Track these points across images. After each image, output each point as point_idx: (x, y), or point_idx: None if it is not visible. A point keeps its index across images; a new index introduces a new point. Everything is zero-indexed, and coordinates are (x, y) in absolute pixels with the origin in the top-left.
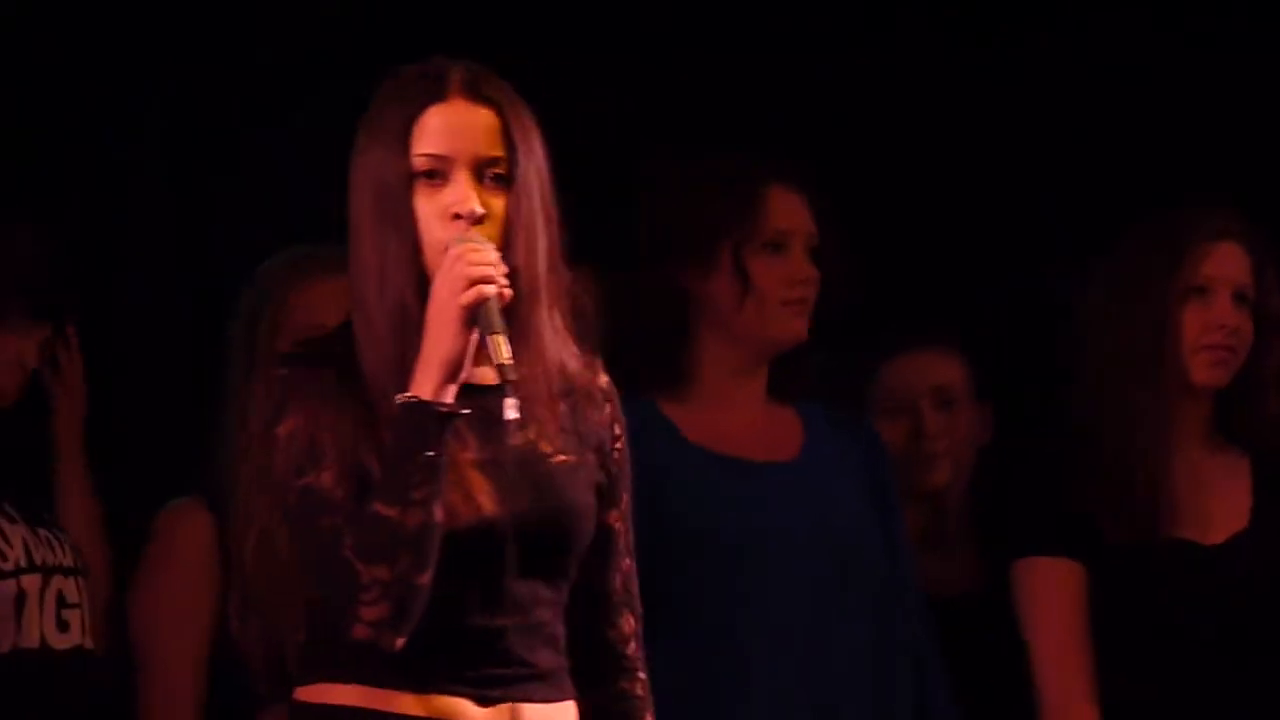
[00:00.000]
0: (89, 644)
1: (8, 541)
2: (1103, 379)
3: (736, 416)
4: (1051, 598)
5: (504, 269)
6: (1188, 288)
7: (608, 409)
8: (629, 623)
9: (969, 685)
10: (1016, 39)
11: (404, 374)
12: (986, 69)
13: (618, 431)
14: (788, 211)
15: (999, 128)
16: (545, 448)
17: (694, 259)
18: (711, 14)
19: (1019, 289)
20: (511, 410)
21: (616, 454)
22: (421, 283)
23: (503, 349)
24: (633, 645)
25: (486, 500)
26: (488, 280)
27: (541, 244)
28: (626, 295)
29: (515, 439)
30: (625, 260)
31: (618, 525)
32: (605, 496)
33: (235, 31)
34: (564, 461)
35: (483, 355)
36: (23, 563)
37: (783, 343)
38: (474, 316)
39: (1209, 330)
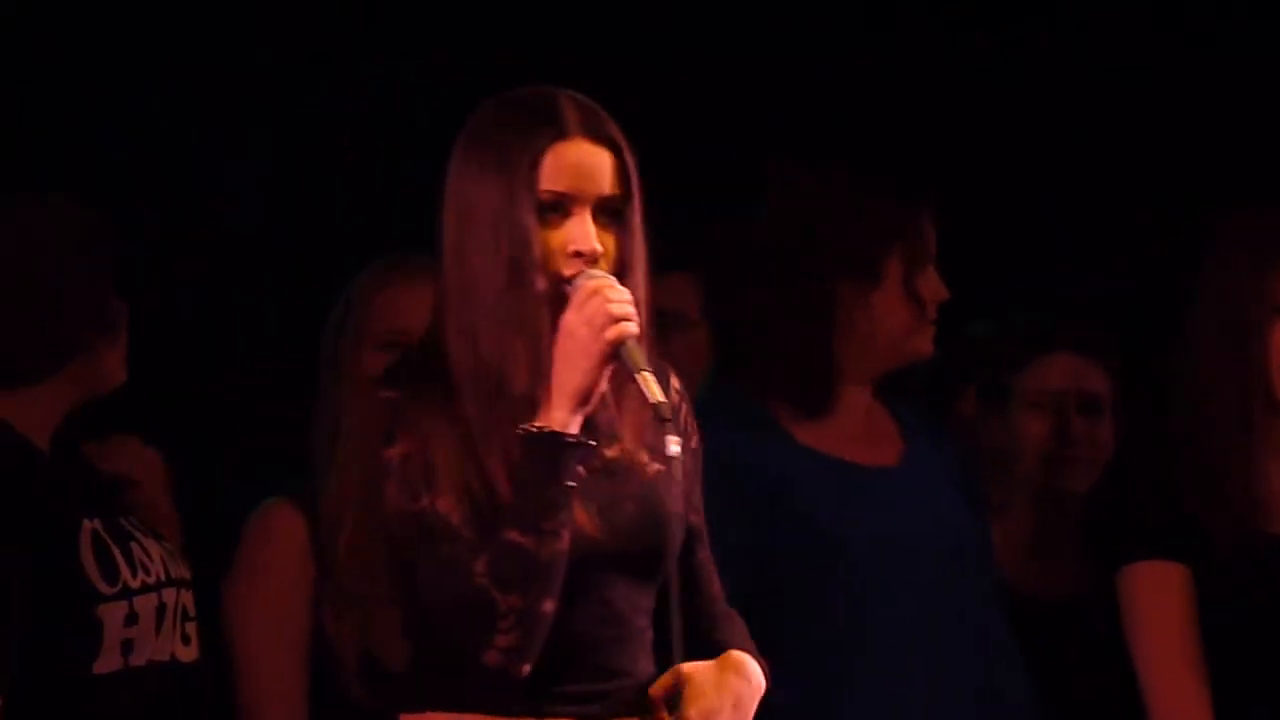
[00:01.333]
0: (200, 655)
1: (148, 555)
2: (1196, 387)
3: (844, 420)
4: (1159, 602)
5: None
6: (1277, 306)
7: (684, 408)
8: (716, 583)
9: (1066, 691)
10: (1016, 39)
11: (525, 403)
12: (986, 69)
13: (693, 428)
14: (933, 230)
15: (999, 128)
16: (643, 457)
17: (861, 273)
18: (711, 14)
19: (1019, 289)
20: (674, 445)
21: (693, 449)
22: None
23: (654, 387)
24: (723, 601)
25: (590, 519)
26: (628, 318)
27: (642, 279)
28: (765, 303)
29: (612, 451)
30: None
31: (696, 520)
32: (687, 499)
33: (235, 31)
34: (659, 471)
35: None
36: (162, 576)
37: (922, 357)
38: (616, 353)
39: None
